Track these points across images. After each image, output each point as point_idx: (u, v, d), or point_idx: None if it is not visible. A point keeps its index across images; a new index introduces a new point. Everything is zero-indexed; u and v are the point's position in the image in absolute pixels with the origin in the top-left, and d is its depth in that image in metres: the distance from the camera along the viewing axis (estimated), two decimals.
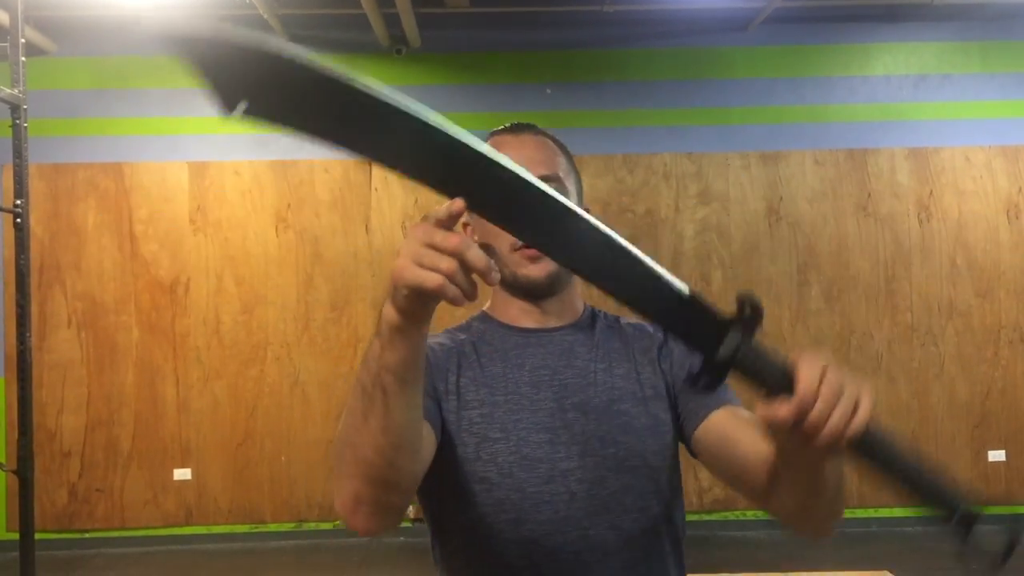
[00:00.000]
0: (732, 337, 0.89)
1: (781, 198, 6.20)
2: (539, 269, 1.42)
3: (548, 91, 6.21)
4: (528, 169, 1.46)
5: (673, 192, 6.20)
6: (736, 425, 1.33)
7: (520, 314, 1.48)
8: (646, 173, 6.20)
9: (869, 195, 6.23)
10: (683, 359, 1.45)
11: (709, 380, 0.92)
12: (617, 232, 0.92)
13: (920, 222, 6.23)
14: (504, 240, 1.41)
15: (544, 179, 1.41)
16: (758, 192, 6.21)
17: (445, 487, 1.39)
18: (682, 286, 0.91)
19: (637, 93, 6.22)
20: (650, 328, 1.50)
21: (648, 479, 1.37)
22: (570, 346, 1.45)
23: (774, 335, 6.16)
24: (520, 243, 1.39)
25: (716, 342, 0.91)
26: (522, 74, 6.23)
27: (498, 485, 1.36)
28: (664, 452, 1.40)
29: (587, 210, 1.53)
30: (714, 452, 1.36)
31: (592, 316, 1.53)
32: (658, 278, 0.90)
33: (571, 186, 1.47)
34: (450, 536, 1.43)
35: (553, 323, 1.47)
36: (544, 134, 1.52)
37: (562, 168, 1.47)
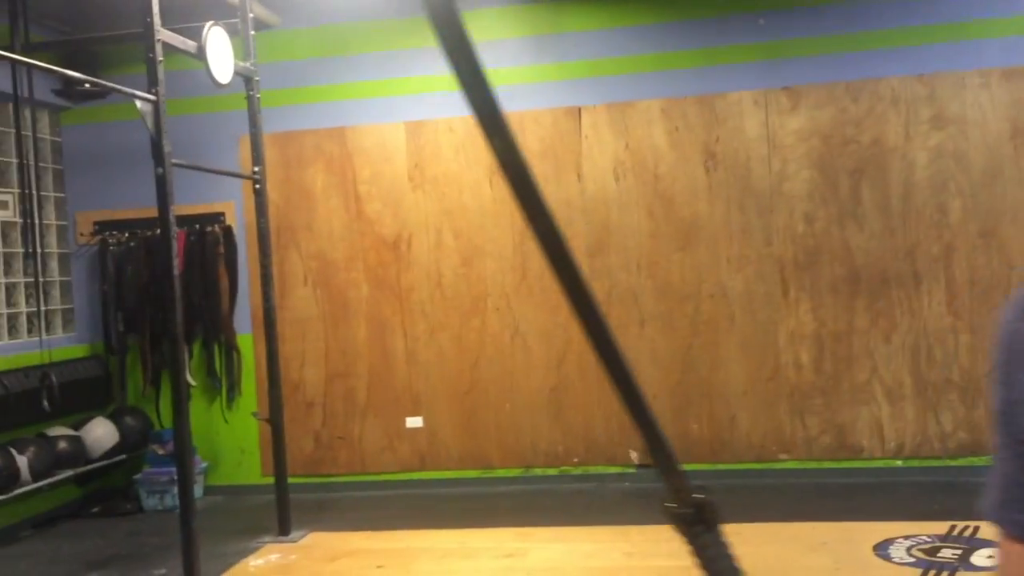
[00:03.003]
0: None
1: None
2: None
3: (761, 21, 5.93)
4: None
5: (902, 118, 5.79)
6: None
7: None
8: (872, 100, 5.82)
9: None
10: None
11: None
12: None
13: None
14: None
15: None
16: (1000, 112, 5.68)
17: None
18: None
19: (860, 14, 5.83)
20: None
21: None
22: None
23: None
24: None
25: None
26: (731, 5, 5.98)
27: None
28: None
29: None
30: None
31: None
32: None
33: None
34: None
35: None
36: None
37: None
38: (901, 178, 5.79)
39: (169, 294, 4.26)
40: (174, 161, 4.33)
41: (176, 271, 4.26)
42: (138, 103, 4.15)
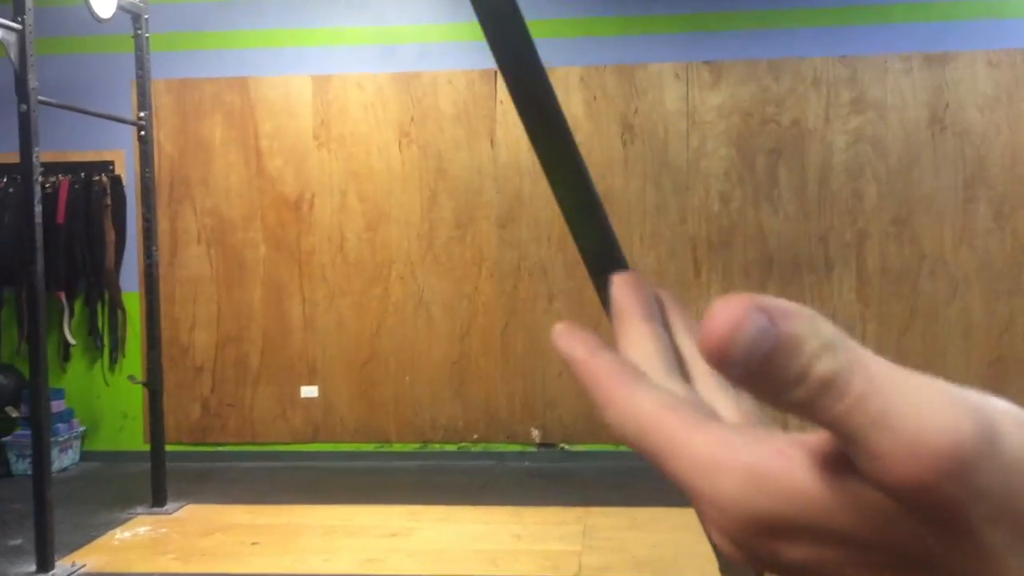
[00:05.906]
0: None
1: (947, 105, 5.58)
2: None
3: None
4: None
5: (823, 100, 5.67)
6: None
7: None
8: (793, 80, 5.68)
9: None
10: None
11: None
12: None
13: None
14: None
15: None
16: (920, 98, 5.60)
17: None
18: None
19: None
20: None
21: None
22: None
23: (934, 257, 5.62)
24: None
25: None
26: None
27: None
28: None
29: None
30: None
31: None
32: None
33: None
34: None
35: None
36: None
37: None
38: (818, 161, 5.68)
39: (29, 243, 3.90)
40: (41, 99, 3.96)
41: (38, 218, 3.90)
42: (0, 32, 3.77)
